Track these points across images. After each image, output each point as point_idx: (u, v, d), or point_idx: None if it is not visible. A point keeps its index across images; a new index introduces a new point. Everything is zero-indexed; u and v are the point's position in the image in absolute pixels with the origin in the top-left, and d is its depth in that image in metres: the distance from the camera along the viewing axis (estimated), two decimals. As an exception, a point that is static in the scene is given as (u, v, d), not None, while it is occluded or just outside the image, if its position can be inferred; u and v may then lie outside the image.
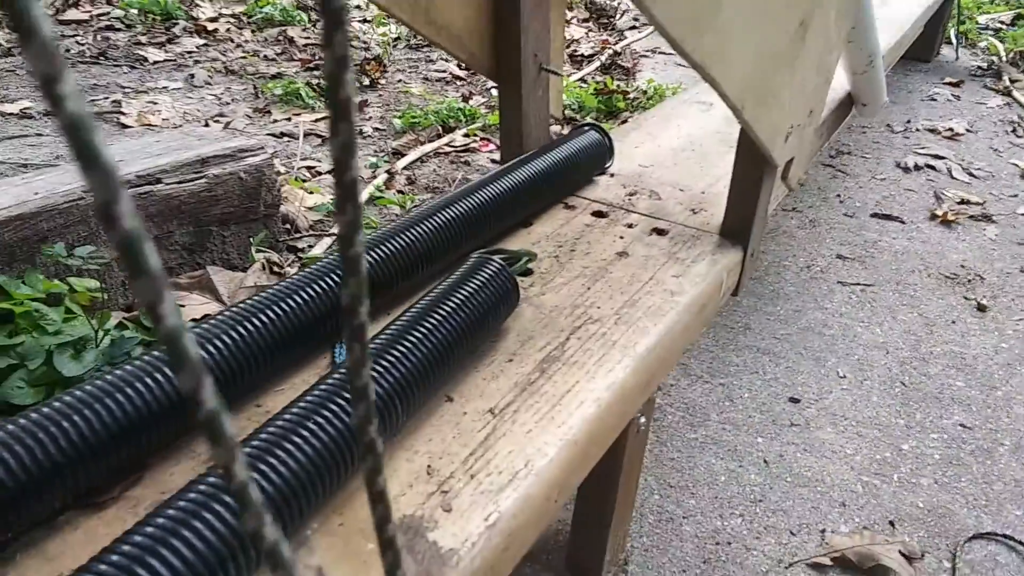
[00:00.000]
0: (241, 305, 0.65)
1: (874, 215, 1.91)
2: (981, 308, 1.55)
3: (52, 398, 0.52)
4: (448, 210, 0.82)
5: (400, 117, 2.36)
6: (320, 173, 2.00)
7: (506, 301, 0.71)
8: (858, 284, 1.60)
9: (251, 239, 1.46)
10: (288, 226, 1.65)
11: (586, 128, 1.07)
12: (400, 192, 1.91)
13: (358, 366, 0.25)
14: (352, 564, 0.49)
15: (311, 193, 1.83)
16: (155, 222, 1.32)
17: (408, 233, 0.76)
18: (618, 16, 3.82)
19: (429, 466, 0.57)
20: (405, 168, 2.04)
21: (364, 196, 1.82)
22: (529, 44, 0.98)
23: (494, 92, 2.67)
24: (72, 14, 3.25)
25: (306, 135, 2.23)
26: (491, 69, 1.01)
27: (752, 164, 0.88)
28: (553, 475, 0.58)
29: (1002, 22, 3.90)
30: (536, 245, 0.89)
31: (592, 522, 0.90)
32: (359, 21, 3.55)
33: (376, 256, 0.73)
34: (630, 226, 0.95)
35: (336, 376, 0.57)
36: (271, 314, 0.65)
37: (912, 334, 1.45)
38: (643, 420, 0.84)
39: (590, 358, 0.69)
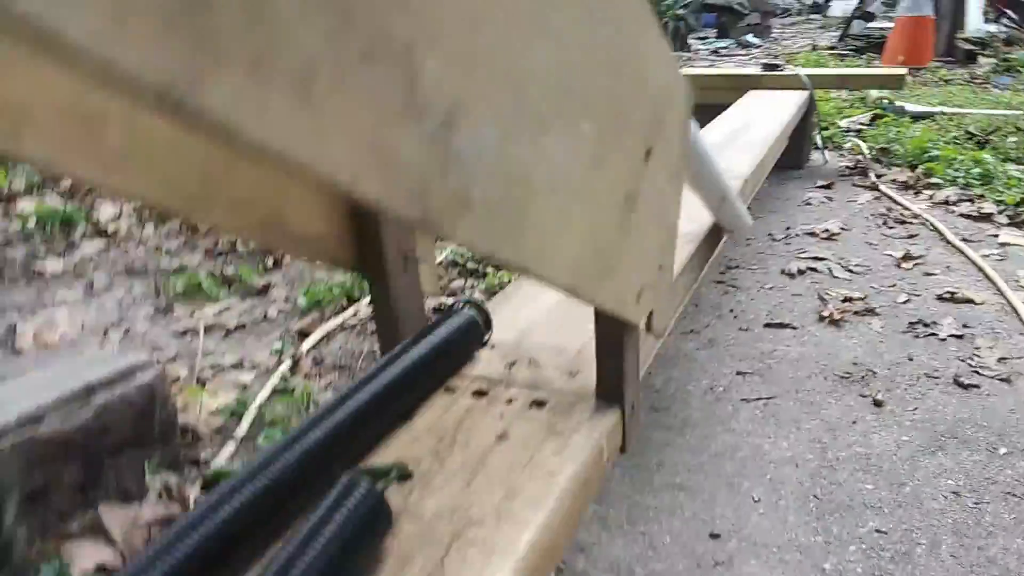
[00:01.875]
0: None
1: (767, 325, 1.99)
2: (878, 404, 1.61)
3: None
4: (318, 429, 0.82)
5: (305, 294, 2.38)
6: (223, 369, 1.98)
7: (378, 525, 0.70)
8: (760, 399, 1.65)
9: (145, 464, 1.42)
10: (189, 437, 1.61)
11: (461, 307, 1.10)
12: (307, 376, 1.90)
13: None
14: None
15: (215, 394, 1.80)
16: (40, 467, 1.27)
17: (271, 468, 0.76)
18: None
19: None
20: (311, 350, 2.04)
21: (268, 390, 1.80)
22: (391, 241, 1.02)
23: (396, 255, 2.73)
24: (-36, 237, 3.22)
25: (209, 329, 2.22)
26: (356, 267, 1.04)
27: (610, 328, 0.92)
28: None
29: (862, 123, 4.26)
30: (417, 441, 0.90)
31: None
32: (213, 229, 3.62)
33: (240, 502, 0.72)
34: (509, 402, 0.97)
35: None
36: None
37: (818, 442, 1.49)
38: (546, 608, 0.82)
39: (470, 571, 0.69)
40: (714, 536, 1.25)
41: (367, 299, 2.34)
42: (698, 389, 1.71)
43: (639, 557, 1.22)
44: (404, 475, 0.82)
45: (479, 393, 1.00)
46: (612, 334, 0.93)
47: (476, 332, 1.10)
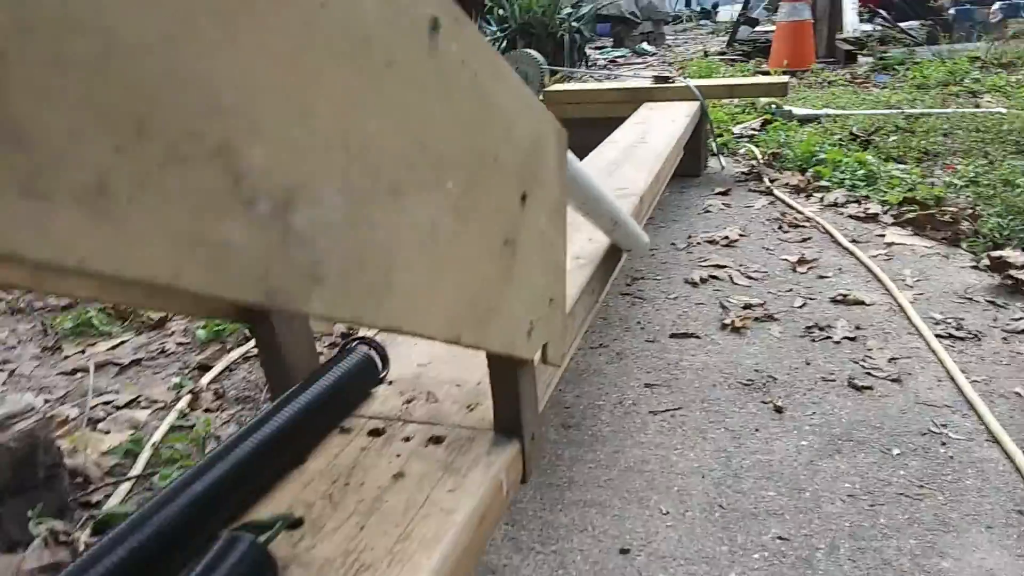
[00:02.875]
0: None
1: (672, 335, 2.03)
2: (778, 410, 1.66)
3: None
4: (202, 480, 0.78)
5: (203, 327, 2.29)
6: (119, 407, 1.88)
7: (262, 581, 0.67)
8: (667, 410, 1.68)
9: (29, 512, 1.33)
10: (79, 479, 1.52)
11: (356, 344, 1.08)
12: (207, 410, 1.83)
13: None
14: None
15: (107, 432, 1.71)
16: (-94, 527, 1.17)
17: (152, 521, 0.72)
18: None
19: None
20: (212, 382, 1.96)
21: (165, 426, 1.72)
22: (276, 280, 0.98)
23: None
24: None
25: (101, 366, 2.11)
26: (240, 314, 1.00)
27: (503, 363, 0.91)
28: None
29: (754, 128, 4.43)
30: (309, 485, 0.87)
31: None
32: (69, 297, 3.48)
33: (116, 559, 0.68)
34: (407, 440, 0.95)
35: None
36: None
37: (723, 451, 1.53)
38: (448, 651, 0.81)
39: (360, 621, 0.67)
40: (624, 551, 1.26)
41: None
42: (608, 403, 1.72)
43: (550, 580, 1.22)
44: (293, 524, 0.79)
45: (375, 432, 0.98)
46: (505, 370, 0.92)
47: (372, 370, 1.07)
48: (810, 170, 3.43)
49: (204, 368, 2.07)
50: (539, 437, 1.02)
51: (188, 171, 0.39)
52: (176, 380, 2.00)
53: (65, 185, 0.31)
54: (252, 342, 2.17)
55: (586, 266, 1.48)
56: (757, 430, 1.59)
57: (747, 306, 2.16)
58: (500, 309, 0.81)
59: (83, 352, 2.24)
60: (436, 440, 0.94)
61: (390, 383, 1.10)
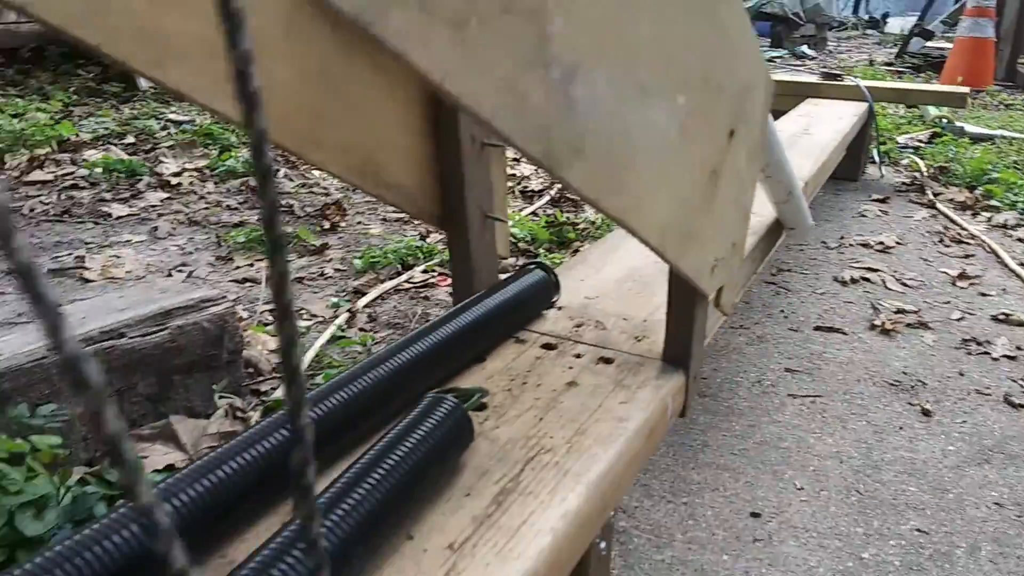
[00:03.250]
0: (204, 458, 0.68)
1: (817, 328, 2.00)
2: (926, 413, 1.61)
3: (27, 560, 0.53)
4: (403, 354, 0.86)
5: (360, 257, 2.44)
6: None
7: (461, 438, 0.74)
8: (808, 396, 1.67)
9: (214, 386, 1.48)
10: (251, 370, 1.67)
11: (532, 267, 1.14)
12: (362, 330, 1.96)
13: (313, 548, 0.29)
14: None
15: (274, 336, 1.86)
16: (119, 375, 1.34)
17: (365, 378, 0.80)
18: (565, 152, 4.05)
19: (390, 606, 0.59)
20: (366, 306, 2.10)
21: (326, 336, 1.86)
22: (473, 196, 1.06)
23: (450, 229, 2.78)
24: (37, 175, 3.35)
25: (268, 279, 2.29)
26: (439, 220, 1.09)
27: (684, 295, 0.95)
28: (512, 608, 0.60)
29: (920, 140, 4.21)
30: (490, 380, 0.94)
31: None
32: (318, 170, 3.71)
33: (334, 402, 0.77)
34: (578, 356, 1.00)
35: (297, 525, 0.59)
36: (234, 465, 0.67)
37: (863, 442, 1.50)
38: (603, 545, 0.86)
39: (544, 488, 0.73)
40: (755, 515, 1.28)
41: (420, 267, 2.39)
42: (746, 381, 1.73)
43: (680, 524, 1.25)
44: (483, 403, 0.86)
45: (548, 347, 1.04)
46: (684, 301, 0.96)
47: (546, 292, 1.14)
48: (979, 188, 3.25)
49: (359, 293, 2.21)
50: (699, 377, 1.05)
51: (514, 23, 0.46)
52: (334, 300, 2.15)
53: (443, 10, 0.39)
54: (404, 277, 2.30)
55: (751, 236, 1.49)
56: (901, 428, 1.56)
57: (900, 311, 2.10)
58: (696, 236, 0.84)
59: (251, 265, 2.44)
60: (606, 360, 0.99)
61: (560, 308, 1.16)
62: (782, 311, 2.10)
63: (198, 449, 1.30)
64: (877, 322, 2.01)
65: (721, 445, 1.48)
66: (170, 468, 1.26)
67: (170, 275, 2.35)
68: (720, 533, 1.23)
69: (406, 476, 0.67)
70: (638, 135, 0.66)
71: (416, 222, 2.94)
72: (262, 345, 1.77)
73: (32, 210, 2.90)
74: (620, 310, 1.15)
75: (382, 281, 2.29)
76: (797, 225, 1.61)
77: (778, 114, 3.02)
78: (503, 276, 1.13)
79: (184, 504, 0.62)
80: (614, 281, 1.27)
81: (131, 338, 1.36)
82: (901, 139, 4.23)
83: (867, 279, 2.33)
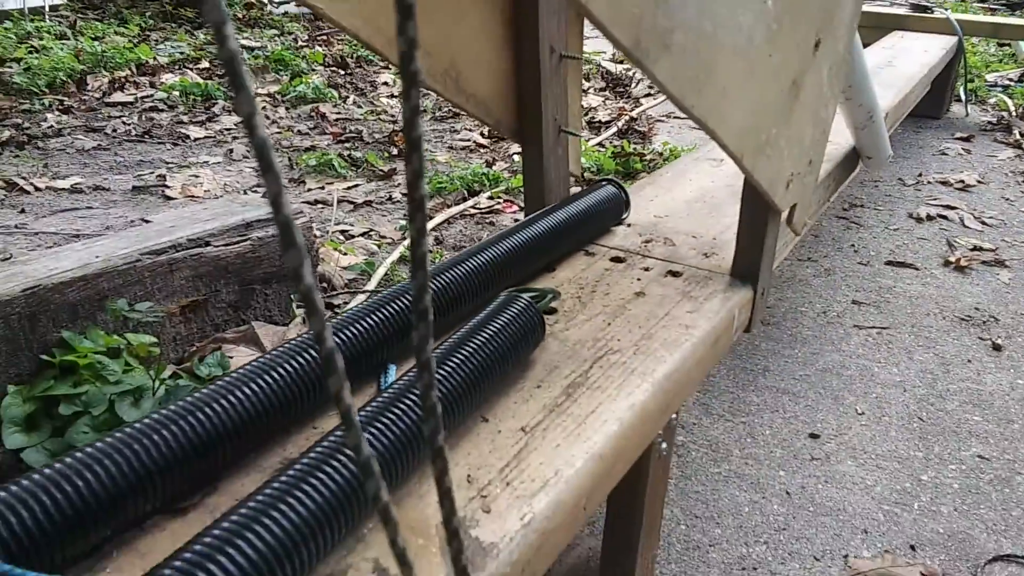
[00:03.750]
0: (297, 339, 0.73)
1: (888, 263, 1.96)
2: (996, 347, 1.59)
3: (138, 419, 0.59)
4: (479, 256, 0.90)
5: (428, 183, 2.48)
6: (352, 236, 2.11)
7: (533, 334, 0.78)
8: (874, 327, 1.65)
9: (291, 296, 1.55)
10: (324, 284, 1.74)
11: (603, 183, 1.16)
12: (428, 251, 2.01)
13: (427, 389, 0.32)
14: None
15: (345, 254, 1.93)
16: (204, 281, 1.42)
17: (445, 276, 0.84)
18: (634, 85, 3.98)
19: (469, 475, 0.63)
20: (433, 229, 2.14)
21: (395, 255, 1.92)
22: (549, 108, 1.07)
23: (516, 158, 2.79)
24: (118, 96, 3.46)
25: (339, 202, 2.35)
26: (515, 132, 1.10)
27: (757, 209, 0.95)
28: (581, 483, 0.64)
29: (1010, 79, 4.00)
30: (560, 287, 0.97)
31: (621, 546, 0.94)
32: (387, 97, 3.74)
33: (405, 302, 0.81)
34: (646, 269, 1.02)
35: (380, 399, 0.64)
36: (295, 363, 0.72)
37: (928, 373, 1.50)
38: (664, 446, 0.89)
39: (611, 383, 0.76)
40: (813, 436, 1.30)
41: (486, 194, 2.42)
42: (811, 311, 1.72)
43: (738, 441, 1.28)
44: (552, 308, 0.89)
45: (617, 260, 1.06)
46: (756, 215, 0.97)
47: (616, 208, 1.15)
48: (1072, 128, 3.08)
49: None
50: (767, 295, 1.06)
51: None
52: (402, 223, 2.20)
53: None
54: (470, 203, 2.33)
55: (825, 163, 1.46)
56: (969, 361, 1.54)
57: (976, 248, 2.04)
58: (773, 146, 0.85)
59: (323, 188, 2.50)
60: (674, 274, 1.01)
61: (629, 226, 1.17)
62: (852, 245, 2.07)
63: (278, 351, 1.37)
64: (952, 259, 1.96)
65: (782, 370, 1.49)
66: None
67: (245, 194, 2.43)
68: (777, 451, 1.26)
69: (482, 364, 0.71)
70: (724, 36, 0.66)
71: (481, 151, 2.95)
72: (334, 262, 1.83)
73: (115, 130, 3.01)
74: (689, 228, 1.16)
75: (448, 206, 2.32)
76: (875, 154, 1.57)
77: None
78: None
79: (278, 379, 0.67)
80: (684, 202, 1.27)
81: (216, 247, 1.43)
82: (990, 77, 4.02)
83: (944, 216, 2.26)
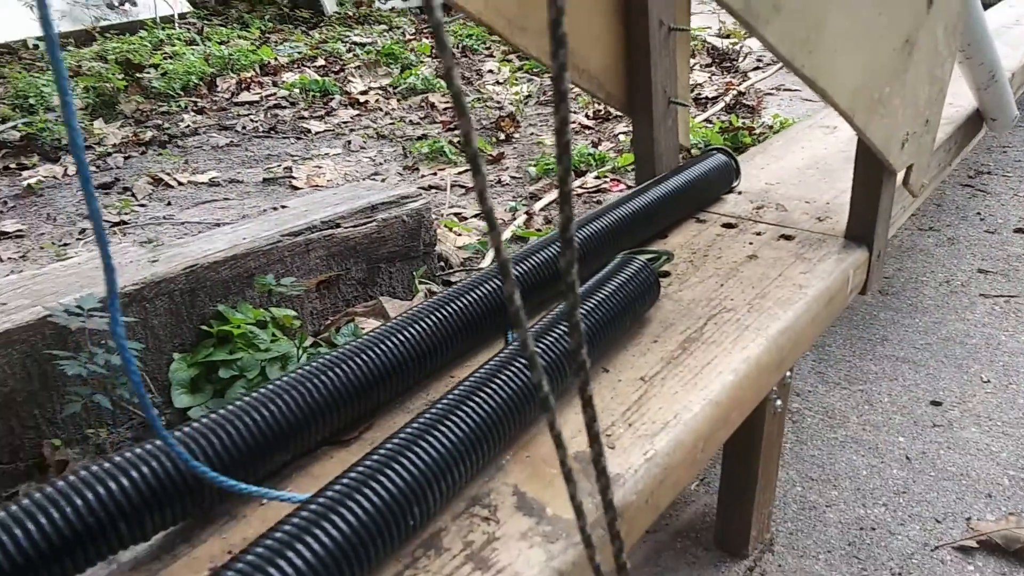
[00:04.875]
0: (438, 296, 0.80)
1: (1018, 230, 1.88)
2: None
3: (303, 362, 0.68)
4: (594, 223, 0.95)
5: (535, 165, 2.54)
6: (465, 218, 2.20)
7: (649, 292, 0.82)
8: (1001, 296, 1.60)
9: (413, 273, 1.65)
10: (442, 263, 1.83)
11: (713, 151, 1.18)
12: (538, 230, 2.07)
13: (572, 308, 0.38)
14: (539, 483, 0.61)
15: (459, 235, 2.02)
16: (336, 260, 1.53)
17: (556, 244, 0.90)
18: (741, 59, 3.90)
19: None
20: (542, 209, 2.20)
21: (507, 234, 1.99)
22: (659, 80, 1.11)
23: (622, 138, 2.81)
24: (244, 96, 3.70)
25: (452, 186, 2.45)
26: (625, 104, 1.14)
27: (871, 169, 0.96)
28: (699, 427, 0.69)
29: None
30: (672, 251, 1.01)
31: (736, 501, 0.98)
32: (492, 84, 3.82)
33: (537, 261, 0.87)
34: (758, 234, 1.05)
35: (508, 352, 0.70)
36: (457, 305, 0.79)
37: (1062, 342, 1.44)
38: (779, 403, 0.92)
39: (726, 338, 0.80)
40: (935, 403, 1.28)
41: (593, 174, 2.45)
42: (932, 281, 1.67)
43: (855, 408, 1.28)
44: (665, 271, 0.94)
45: (728, 225, 1.09)
46: (871, 176, 0.97)
47: (726, 176, 1.17)
48: None
49: (534, 197, 2.32)
50: (883, 257, 1.06)
51: None
52: (512, 204, 2.27)
53: None
54: (577, 182, 2.38)
55: (945, 126, 1.42)
56: (1109, 330, 1.47)
57: (1116, 213, 1.92)
58: (887, 104, 0.85)
59: (435, 174, 2.61)
60: (786, 237, 1.03)
61: (740, 193, 1.19)
62: (978, 213, 1.98)
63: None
64: (1090, 224, 1.85)
65: (902, 339, 1.47)
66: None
67: (366, 182, 2.57)
68: (897, 418, 1.25)
69: (602, 319, 0.76)
70: (830, -4, 0.69)
71: (587, 132, 2.99)
72: (451, 243, 1.93)
73: (244, 127, 3.23)
74: (802, 194, 1.17)
75: (556, 187, 2.38)
76: (999, 115, 1.51)
77: (987, 6, 2.75)
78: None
79: (417, 333, 0.75)
80: (795, 169, 1.28)
81: (345, 228, 1.54)
82: None
83: (1082, 180, 2.13)
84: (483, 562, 0.54)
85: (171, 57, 4.09)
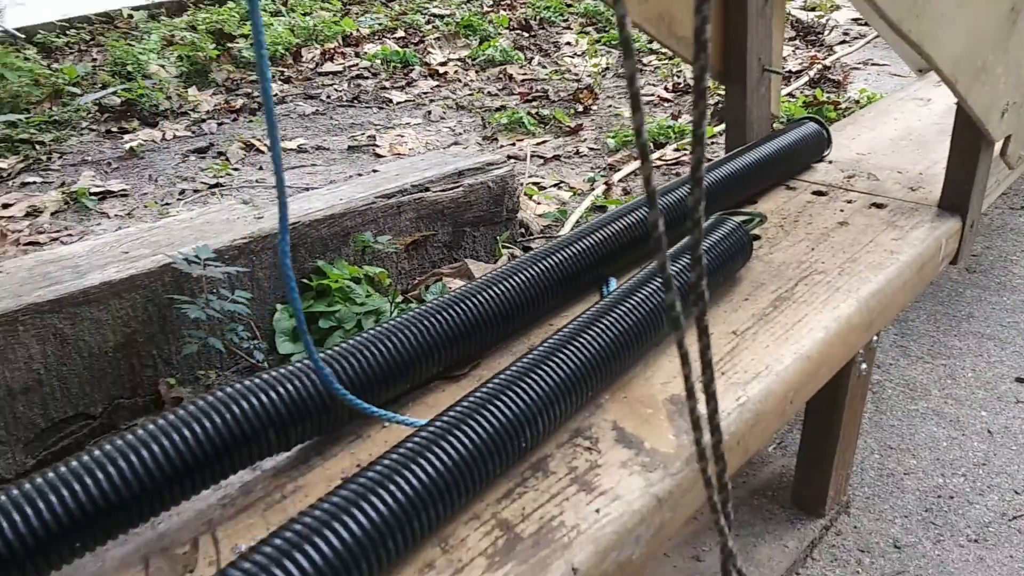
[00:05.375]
0: (533, 252, 0.84)
1: (1118, 211, 1.81)
2: None
3: (418, 306, 0.74)
4: (686, 186, 0.98)
5: (613, 137, 2.56)
6: (544, 187, 2.24)
7: (742, 252, 0.85)
8: (1098, 277, 1.56)
9: (497, 237, 1.71)
10: (523, 229, 1.88)
11: (805, 120, 1.19)
12: (617, 201, 2.10)
13: (696, 242, 0.42)
14: (636, 420, 0.65)
15: (539, 203, 2.06)
16: (424, 222, 1.59)
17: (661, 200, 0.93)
18: (826, 32, 3.81)
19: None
20: (621, 180, 2.22)
21: (586, 204, 2.03)
22: (754, 48, 1.12)
23: (701, 111, 2.79)
24: (328, 67, 3.80)
25: (531, 156, 2.49)
26: (719, 71, 1.16)
27: (969, 137, 0.96)
28: (789, 379, 0.72)
29: None
30: (762, 218, 1.03)
31: (815, 461, 1.00)
32: (570, 56, 3.83)
33: (633, 219, 0.90)
34: (849, 202, 1.06)
35: (605, 302, 0.74)
36: (555, 259, 0.84)
37: None
38: (864, 367, 0.94)
39: (816, 299, 0.82)
40: (1020, 380, 1.27)
41: (672, 146, 2.46)
42: (1022, 260, 1.64)
43: (937, 382, 1.28)
44: (756, 235, 0.96)
45: (818, 193, 1.10)
46: (968, 145, 0.97)
47: (817, 144, 1.18)
48: None
49: (612, 168, 2.34)
50: (976, 228, 1.05)
51: None
52: (590, 175, 2.30)
53: None
54: (656, 154, 2.39)
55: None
56: None
57: None
58: (988, 73, 0.85)
59: (513, 144, 2.65)
60: (878, 206, 1.04)
61: (830, 163, 1.20)
62: (1075, 193, 1.92)
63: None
64: None
65: (988, 317, 1.45)
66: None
67: (448, 150, 2.63)
68: (980, 392, 1.25)
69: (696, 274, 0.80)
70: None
71: (665, 105, 2.98)
72: (531, 210, 1.97)
73: (328, 97, 3.33)
74: (894, 164, 1.17)
75: (635, 159, 2.39)
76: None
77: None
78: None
79: (519, 283, 0.79)
80: (888, 140, 1.27)
81: (434, 191, 1.60)
82: None
83: None
84: (587, 484, 0.58)
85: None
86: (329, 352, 0.65)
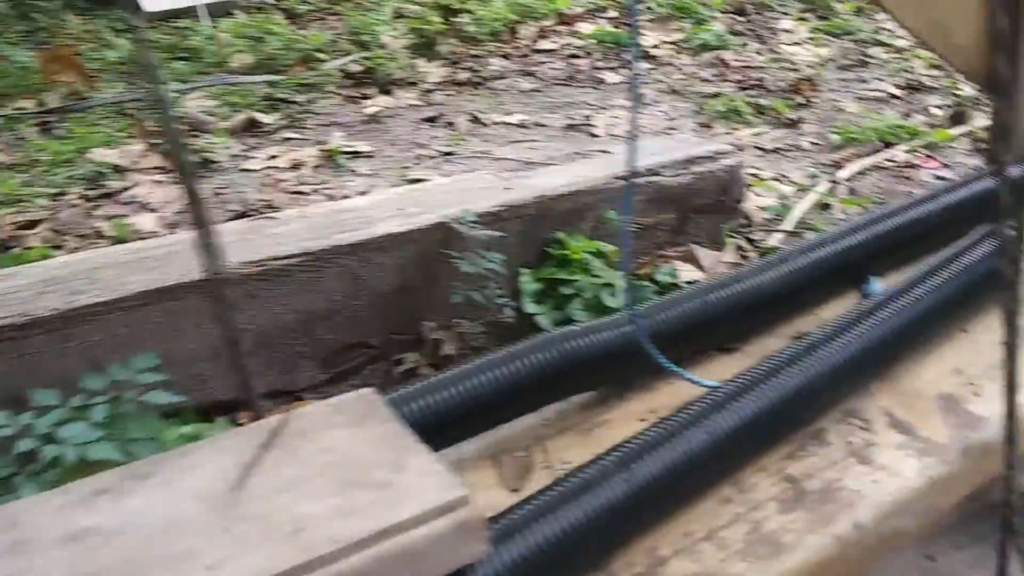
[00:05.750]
0: (792, 247, 0.91)
1: None
2: None
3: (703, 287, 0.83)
4: (949, 195, 1.00)
5: (838, 133, 2.50)
6: (764, 180, 2.25)
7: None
8: None
9: (722, 226, 1.76)
10: (745, 220, 1.92)
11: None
12: (841, 201, 2.07)
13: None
14: (907, 408, 0.71)
15: (760, 196, 2.08)
16: (654, 205, 1.68)
17: (919, 208, 0.96)
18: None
19: (956, 368, 0.77)
20: (847, 180, 2.19)
21: (809, 201, 2.02)
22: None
23: (934, 111, 2.67)
24: (543, 44, 3.95)
25: (747, 148, 2.50)
26: (986, 80, 1.15)
27: None
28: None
29: None
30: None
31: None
32: (787, 44, 3.74)
33: (899, 221, 0.94)
34: None
35: (867, 305, 0.79)
36: (802, 261, 0.90)
37: None
38: None
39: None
40: None
41: (903, 147, 2.37)
42: None
43: None
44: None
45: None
46: None
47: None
48: None
49: (836, 165, 2.30)
50: None
51: None
52: (811, 170, 2.28)
53: None
54: (886, 154, 2.32)
55: None
56: None
57: None
58: None
59: (729, 134, 2.66)
60: None
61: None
62: None
63: (713, 272, 1.60)
64: None
65: None
66: (690, 283, 1.58)
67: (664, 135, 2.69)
68: None
69: (961, 285, 0.83)
70: None
71: (895, 102, 2.86)
72: (752, 202, 2.00)
73: (545, 74, 3.48)
74: None
75: (860, 157, 2.34)
76: None
77: None
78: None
79: (768, 283, 0.86)
80: None
81: (665, 176, 1.68)
82: None
83: None
84: (864, 458, 0.66)
85: (483, 2, 4.44)
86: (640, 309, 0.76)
